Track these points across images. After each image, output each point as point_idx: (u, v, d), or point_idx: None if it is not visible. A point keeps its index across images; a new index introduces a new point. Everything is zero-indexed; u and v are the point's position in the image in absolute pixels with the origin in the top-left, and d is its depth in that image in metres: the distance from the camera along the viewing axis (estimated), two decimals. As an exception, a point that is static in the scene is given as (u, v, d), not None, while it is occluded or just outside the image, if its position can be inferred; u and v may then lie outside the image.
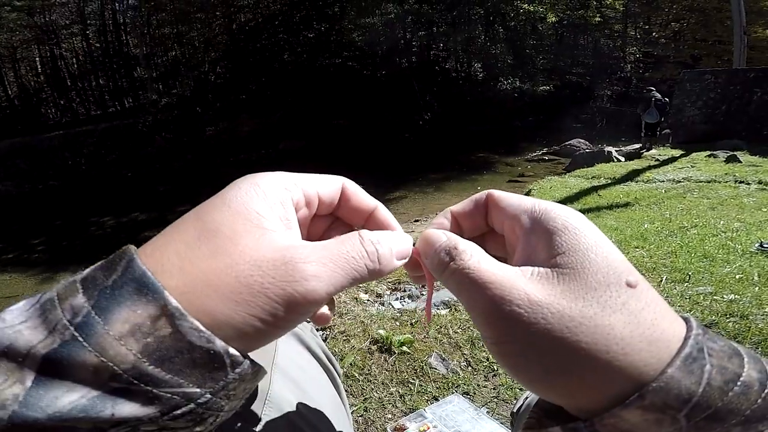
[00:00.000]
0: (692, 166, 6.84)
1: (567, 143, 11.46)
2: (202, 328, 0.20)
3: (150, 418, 0.19)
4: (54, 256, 7.28)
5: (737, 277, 2.34)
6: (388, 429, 1.38)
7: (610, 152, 8.84)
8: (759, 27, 15.03)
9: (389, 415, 1.46)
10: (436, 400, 1.49)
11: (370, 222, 0.30)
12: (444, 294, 2.29)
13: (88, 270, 0.21)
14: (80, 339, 0.18)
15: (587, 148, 10.63)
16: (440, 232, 0.27)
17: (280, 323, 0.21)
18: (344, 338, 1.87)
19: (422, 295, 2.49)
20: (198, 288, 0.20)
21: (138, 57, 22.22)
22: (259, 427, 0.38)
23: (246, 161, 13.63)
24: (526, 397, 0.65)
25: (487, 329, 0.23)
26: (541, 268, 0.23)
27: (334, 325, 1.98)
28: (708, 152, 7.60)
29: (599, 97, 18.57)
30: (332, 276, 0.22)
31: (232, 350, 0.20)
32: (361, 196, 0.29)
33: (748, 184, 5.30)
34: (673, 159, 7.68)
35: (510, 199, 0.27)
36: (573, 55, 20.17)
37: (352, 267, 0.23)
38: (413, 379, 1.60)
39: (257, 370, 0.22)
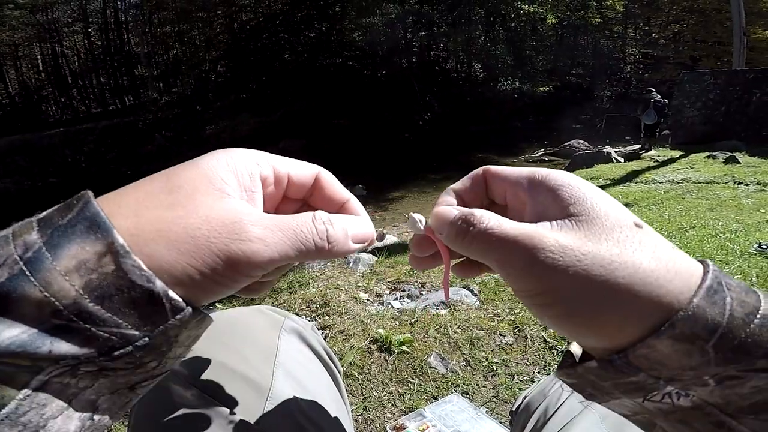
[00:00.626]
0: (691, 167, 6.84)
1: (566, 144, 11.47)
2: (144, 266, 0.20)
3: (87, 357, 0.19)
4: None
5: (736, 278, 2.35)
6: (388, 428, 1.39)
7: (609, 153, 8.84)
8: (759, 28, 15.05)
9: (389, 414, 1.47)
10: (436, 399, 1.50)
11: (340, 212, 0.30)
12: (443, 294, 2.29)
13: (47, 211, 0.21)
14: (27, 273, 0.18)
15: (586, 149, 10.64)
16: (451, 207, 0.27)
17: (219, 279, 0.22)
18: (344, 337, 1.87)
19: (422, 294, 2.50)
20: (147, 232, 0.21)
21: (139, 55, 22.21)
22: (260, 422, 0.38)
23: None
24: (525, 396, 0.66)
25: (525, 282, 0.23)
26: (558, 220, 0.24)
27: (333, 324, 1.98)
28: (707, 153, 7.60)
29: (599, 98, 18.57)
30: (277, 243, 0.23)
31: (172, 294, 0.20)
32: (336, 187, 0.30)
33: (747, 185, 5.31)
34: (672, 160, 7.68)
35: (507, 169, 0.28)
36: (573, 56, 20.18)
37: (299, 239, 0.24)
38: (413, 379, 1.61)
39: (202, 318, 0.23)
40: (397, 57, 17.74)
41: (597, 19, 18.59)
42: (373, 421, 1.44)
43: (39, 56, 22.08)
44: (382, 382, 1.60)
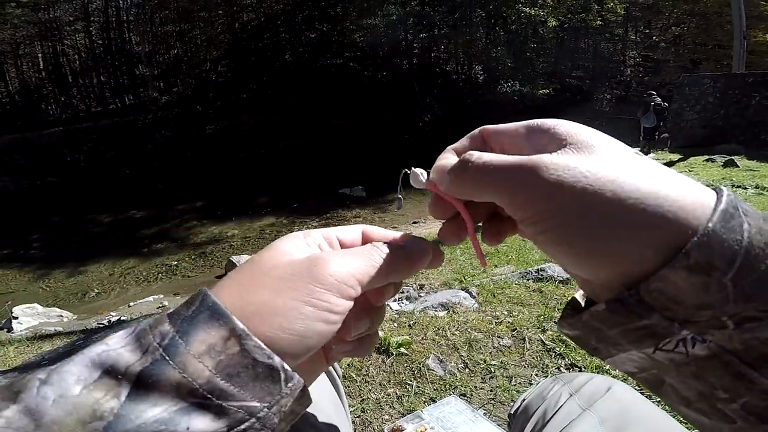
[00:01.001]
0: (690, 171, 6.86)
1: (566, 146, 11.49)
2: (263, 345, 0.23)
3: (220, 430, 0.21)
4: (51, 253, 7.26)
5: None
6: (386, 430, 1.38)
7: (609, 156, 8.86)
8: (759, 31, 15.07)
9: (386, 416, 1.46)
10: (434, 401, 1.49)
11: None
12: (441, 296, 2.29)
13: (174, 307, 0.25)
14: (167, 358, 0.21)
15: (587, 152, 10.64)
16: (449, 159, 0.28)
17: (315, 314, 0.24)
18: (342, 338, 1.87)
19: (421, 296, 2.49)
20: (253, 315, 0.24)
21: (140, 54, 22.20)
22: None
23: (246, 160, 13.62)
24: (523, 399, 0.66)
25: (533, 205, 0.23)
26: (559, 150, 0.23)
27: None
28: (706, 157, 7.63)
29: (599, 101, 18.60)
30: (352, 262, 0.26)
31: (287, 365, 0.23)
32: (383, 231, 0.32)
33: (745, 188, 5.32)
34: (671, 163, 7.70)
35: (504, 125, 0.29)
36: (573, 59, 20.20)
37: (369, 257, 0.27)
38: (411, 381, 1.60)
39: (304, 393, 0.25)
40: (397, 58, 17.76)
41: (598, 22, 18.62)
42: (371, 422, 1.44)
43: (40, 54, 22.06)
44: (380, 384, 1.60)
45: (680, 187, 0.20)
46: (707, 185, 0.22)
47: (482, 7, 17.28)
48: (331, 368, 0.52)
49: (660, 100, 8.93)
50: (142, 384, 0.21)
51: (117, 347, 0.22)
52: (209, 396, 0.21)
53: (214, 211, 8.48)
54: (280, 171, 11.65)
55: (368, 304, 0.31)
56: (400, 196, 0.35)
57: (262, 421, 0.22)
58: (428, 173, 0.30)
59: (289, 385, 0.23)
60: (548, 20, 16.90)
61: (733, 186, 5.48)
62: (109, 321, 3.41)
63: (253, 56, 18.27)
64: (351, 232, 0.31)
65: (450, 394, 1.52)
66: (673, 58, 19.65)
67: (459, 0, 16.89)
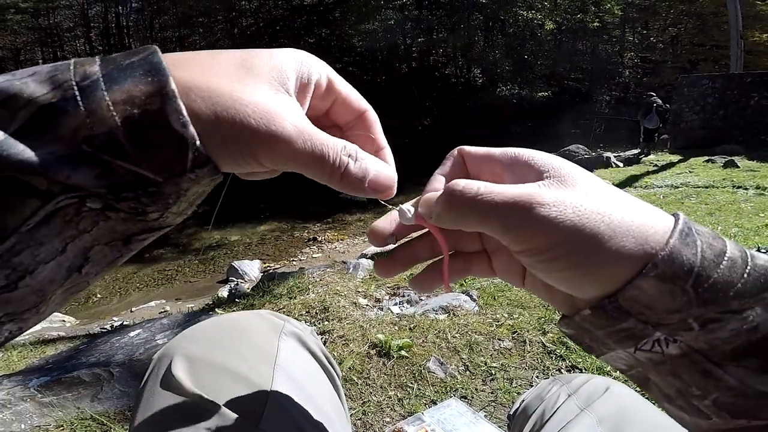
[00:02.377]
0: (690, 172, 6.85)
1: (565, 149, 11.46)
2: (184, 112, 0.21)
3: (98, 190, 0.20)
4: (53, 259, 7.27)
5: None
6: (387, 433, 1.39)
7: (608, 158, 8.86)
8: (756, 31, 15.13)
9: (387, 419, 1.47)
10: (434, 404, 1.50)
11: (358, 123, 0.31)
12: (442, 299, 2.30)
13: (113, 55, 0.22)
14: (78, 98, 0.19)
15: (586, 154, 10.65)
16: (435, 192, 0.29)
17: (240, 151, 0.23)
18: (343, 342, 1.87)
19: (422, 300, 2.50)
20: (201, 91, 0.22)
21: (139, 60, 22.28)
22: (260, 424, 0.39)
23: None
24: (522, 400, 0.66)
25: (532, 240, 0.24)
26: (541, 181, 0.25)
27: (333, 330, 1.98)
28: (706, 157, 7.62)
29: (598, 102, 18.64)
30: (301, 146, 0.24)
31: (200, 145, 0.21)
32: (376, 129, 0.32)
33: (746, 189, 5.32)
34: (671, 164, 7.70)
35: (481, 149, 0.30)
36: (571, 61, 20.27)
37: (321, 155, 0.25)
38: (411, 383, 1.61)
39: (216, 178, 0.24)
40: (396, 62, 17.84)
41: (595, 23, 18.71)
42: (372, 425, 1.44)
43: (40, 60, 22.16)
44: (381, 387, 1.60)
45: (648, 215, 0.24)
46: (670, 213, 0.25)
47: (480, 11, 17.36)
48: (331, 369, 0.53)
49: (660, 101, 8.95)
50: (39, 120, 0.19)
51: (24, 77, 0.20)
52: (101, 150, 0.19)
53: (215, 217, 8.50)
54: (280, 176, 11.66)
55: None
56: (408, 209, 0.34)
57: (153, 197, 0.21)
58: (415, 208, 0.30)
59: (197, 171, 0.22)
60: (545, 24, 16.95)
61: (733, 186, 5.48)
62: (112, 326, 3.42)
63: (252, 61, 18.31)
64: (356, 101, 0.30)
65: (451, 397, 1.52)
66: (671, 59, 19.71)
67: (457, 4, 16.96)
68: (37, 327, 3.85)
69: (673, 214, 0.24)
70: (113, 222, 0.22)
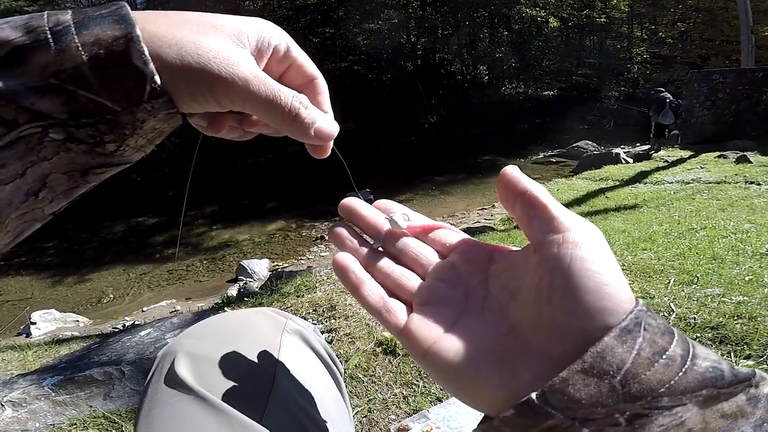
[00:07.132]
0: (701, 167, 6.75)
1: (574, 145, 11.38)
2: (146, 53, 0.23)
3: (60, 116, 0.22)
4: (66, 260, 7.39)
5: (747, 278, 2.31)
6: (392, 430, 1.39)
7: (618, 154, 8.77)
8: (766, 26, 14.82)
9: (393, 416, 1.47)
10: (440, 401, 1.50)
11: (308, 88, 0.33)
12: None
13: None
14: (51, 41, 0.21)
15: (595, 150, 10.55)
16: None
17: (199, 88, 0.25)
18: (349, 340, 1.89)
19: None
20: (165, 38, 0.24)
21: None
22: (263, 421, 0.40)
23: (254, 165, 13.74)
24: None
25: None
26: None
27: (339, 327, 2.00)
28: (717, 153, 7.49)
29: (606, 99, 18.43)
30: (256, 89, 0.27)
31: (158, 79, 0.23)
32: (323, 98, 0.34)
33: (759, 184, 5.22)
34: (682, 160, 7.59)
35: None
36: (579, 57, 20.05)
37: (274, 99, 0.28)
38: (417, 381, 1.61)
39: (173, 114, 0.26)
40: (401, 60, 17.79)
41: (602, 19, 18.47)
42: (377, 422, 1.45)
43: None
44: (386, 384, 1.61)
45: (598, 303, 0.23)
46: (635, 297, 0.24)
47: (484, 8, 17.25)
48: (334, 367, 0.53)
49: (672, 97, 8.82)
50: (12, 57, 0.21)
51: (0, 24, 0.22)
52: (68, 81, 0.21)
53: (223, 217, 8.57)
54: (288, 175, 11.73)
55: (248, 121, 0.34)
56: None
57: (111, 125, 0.23)
58: (405, 216, 0.34)
59: (153, 101, 0.24)
60: (550, 21, 16.78)
61: (746, 182, 5.38)
62: (124, 325, 3.47)
63: (259, 62, 18.41)
64: (308, 68, 0.33)
65: (457, 395, 1.53)
66: (681, 54, 19.39)
67: (461, 1, 16.86)
68: (52, 327, 3.93)
69: (636, 300, 0.23)
70: (73, 154, 0.24)
